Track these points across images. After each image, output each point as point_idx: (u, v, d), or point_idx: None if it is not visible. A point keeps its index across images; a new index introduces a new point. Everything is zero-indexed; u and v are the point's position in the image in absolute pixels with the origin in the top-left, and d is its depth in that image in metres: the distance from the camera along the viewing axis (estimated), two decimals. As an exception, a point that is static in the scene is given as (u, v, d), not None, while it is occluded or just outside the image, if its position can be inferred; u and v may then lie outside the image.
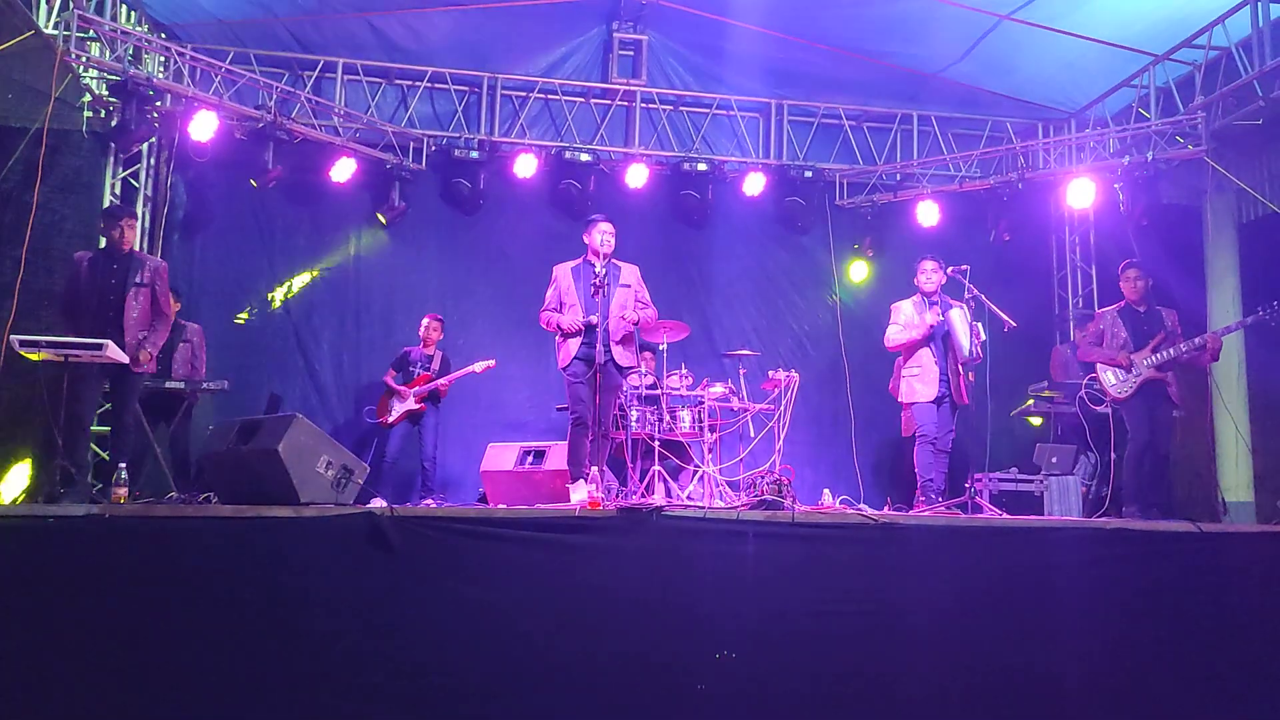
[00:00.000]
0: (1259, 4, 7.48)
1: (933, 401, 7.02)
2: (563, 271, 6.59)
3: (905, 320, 7.21)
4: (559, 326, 6.42)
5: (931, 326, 7.03)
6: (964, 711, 4.94)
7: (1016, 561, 5.22)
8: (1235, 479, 8.31)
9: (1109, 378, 6.90)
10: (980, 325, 6.90)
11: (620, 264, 6.52)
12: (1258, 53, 7.53)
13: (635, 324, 6.49)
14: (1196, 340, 6.77)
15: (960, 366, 7.05)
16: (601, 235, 6.50)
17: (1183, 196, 8.95)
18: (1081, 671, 5.05)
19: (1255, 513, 8.00)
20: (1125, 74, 8.85)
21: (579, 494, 6.09)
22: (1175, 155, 8.50)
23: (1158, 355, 6.75)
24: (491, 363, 8.39)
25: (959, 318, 6.98)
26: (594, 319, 6.26)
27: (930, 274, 7.21)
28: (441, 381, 8.37)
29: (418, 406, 8.34)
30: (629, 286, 6.50)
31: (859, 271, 9.94)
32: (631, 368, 6.76)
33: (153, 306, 6.36)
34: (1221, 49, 7.92)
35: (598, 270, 6.30)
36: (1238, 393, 8.38)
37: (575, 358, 6.36)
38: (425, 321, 8.59)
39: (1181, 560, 5.32)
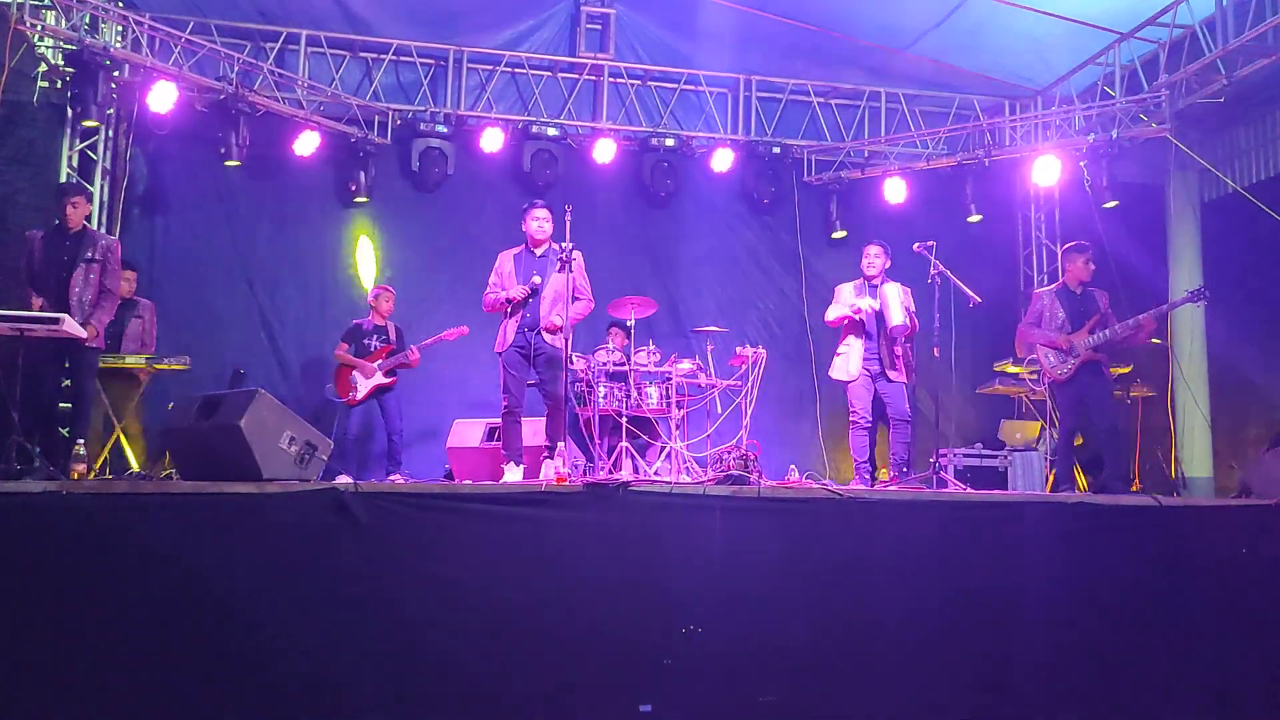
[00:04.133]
0: (1223, -18, 7.53)
1: (858, 380, 7.16)
2: (506, 257, 6.68)
3: (843, 301, 7.35)
4: (507, 300, 6.47)
5: (857, 311, 7.16)
6: (930, 683, 4.99)
7: (980, 535, 5.26)
8: (1194, 454, 8.45)
9: (1049, 359, 7.00)
10: (911, 299, 7.01)
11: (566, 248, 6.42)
12: (1221, 32, 7.58)
13: (561, 328, 6.42)
14: (1132, 321, 6.88)
15: (894, 345, 7.12)
16: (535, 223, 6.59)
17: (1146, 175, 9.04)
18: (1045, 642, 5.11)
19: (1213, 487, 8.14)
20: (1091, 52, 8.89)
21: (510, 475, 6.31)
22: (1139, 133, 8.56)
23: (1094, 336, 6.87)
24: (464, 329, 8.26)
25: (892, 292, 7.12)
26: (537, 279, 6.37)
27: (873, 259, 7.34)
28: (415, 355, 8.24)
29: (387, 381, 8.20)
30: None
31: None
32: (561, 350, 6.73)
33: (101, 283, 6.27)
34: (1186, 28, 7.97)
35: (545, 255, 6.40)
36: (1198, 369, 8.51)
37: (511, 345, 6.44)
38: (376, 292, 8.46)
39: (1141, 533, 5.39)
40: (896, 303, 7.05)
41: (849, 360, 7.21)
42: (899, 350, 7.15)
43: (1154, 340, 7.72)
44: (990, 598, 5.16)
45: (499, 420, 7.76)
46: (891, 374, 7.10)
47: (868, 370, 7.13)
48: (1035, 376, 7.89)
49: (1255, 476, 6.12)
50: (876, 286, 7.26)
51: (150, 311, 7.77)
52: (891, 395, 7.14)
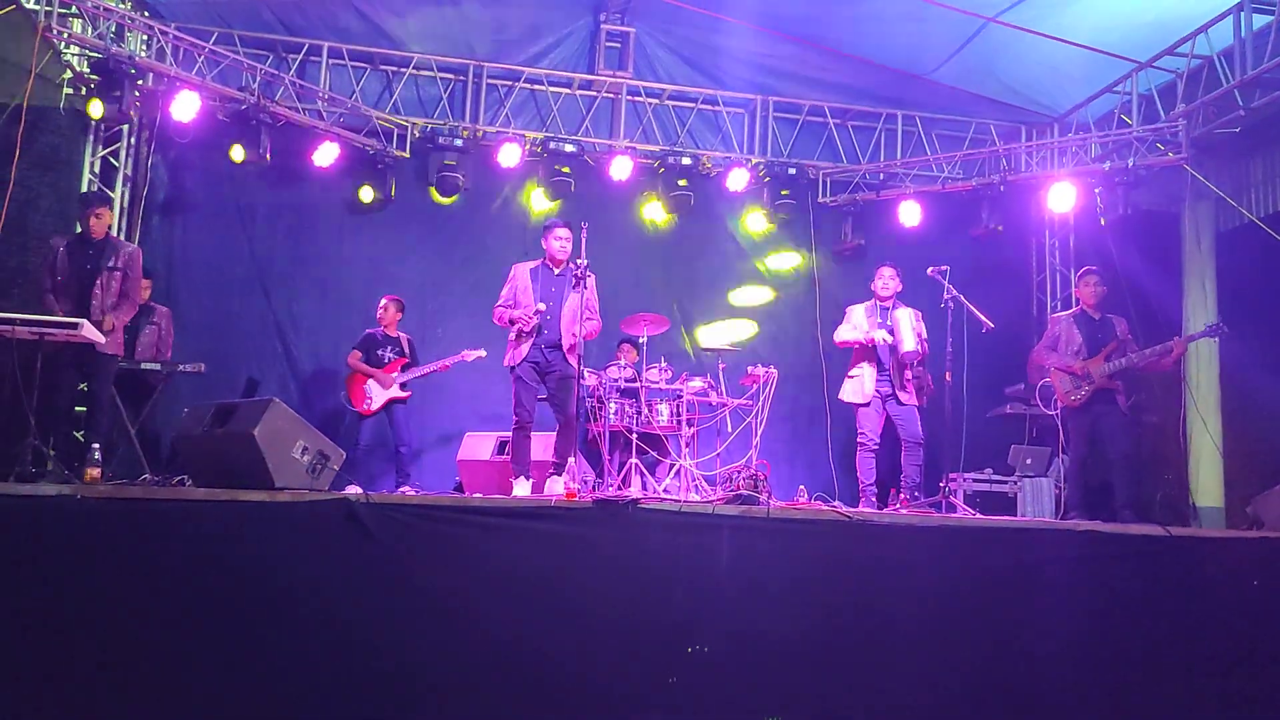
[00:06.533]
0: (1242, 14, 7.53)
1: (868, 404, 7.21)
2: (521, 271, 6.68)
3: (855, 323, 7.38)
4: (511, 321, 6.49)
5: (870, 340, 7.22)
6: (936, 707, 4.97)
7: (989, 561, 5.26)
8: (1206, 483, 8.39)
9: (1063, 384, 6.98)
10: (923, 326, 7.04)
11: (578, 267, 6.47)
12: (1239, 62, 7.58)
13: (575, 338, 6.49)
14: (1160, 346, 6.86)
15: (904, 370, 7.15)
16: (559, 242, 6.62)
17: (1162, 203, 9.01)
18: (1051, 670, 5.10)
19: (1224, 518, 8.08)
20: (1108, 80, 8.90)
21: (519, 489, 6.30)
22: (1155, 162, 8.54)
23: (1111, 364, 6.85)
24: (482, 353, 8.25)
25: (904, 317, 7.18)
26: (541, 306, 6.39)
27: (887, 280, 7.38)
28: (442, 365, 8.24)
29: (403, 394, 8.20)
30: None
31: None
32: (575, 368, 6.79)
33: (122, 289, 6.35)
34: (1204, 58, 7.98)
35: (564, 271, 6.40)
36: (1210, 397, 8.46)
37: (525, 359, 6.45)
38: (383, 302, 8.41)
39: (1150, 563, 5.38)
40: (909, 328, 7.10)
41: (862, 383, 7.26)
42: (909, 374, 7.20)
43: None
44: (998, 623, 5.15)
45: (509, 434, 7.81)
46: (902, 396, 7.15)
47: (879, 393, 7.17)
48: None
49: (1267, 509, 6.09)
50: (889, 309, 7.29)
51: (166, 318, 7.82)
52: (904, 418, 7.18)
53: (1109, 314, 7.12)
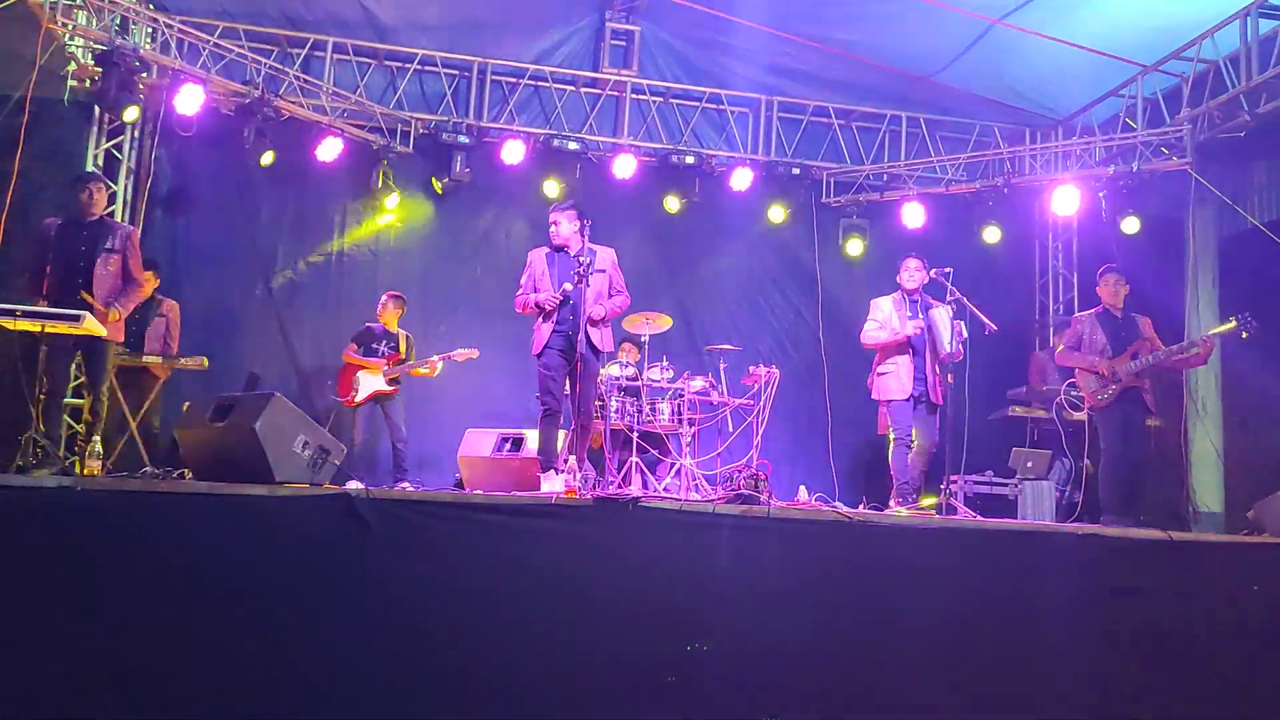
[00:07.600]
0: (1249, 19, 7.53)
1: (906, 400, 6.98)
2: (537, 256, 6.56)
3: (883, 319, 7.14)
4: (537, 305, 6.36)
5: (909, 338, 6.96)
6: (935, 708, 4.96)
7: (989, 563, 5.25)
8: (1206, 487, 8.40)
9: (1090, 384, 6.91)
10: (963, 324, 6.91)
11: (595, 247, 6.40)
12: (1245, 67, 7.58)
13: (603, 318, 6.42)
14: (1185, 343, 6.82)
15: (939, 366, 7.05)
16: (552, 227, 6.49)
17: (1166, 207, 9.00)
18: (1050, 672, 5.09)
19: (1225, 522, 8.08)
20: (1114, 83, 8.90)
21: (550, 484, 6.13)
22: (1160, 166, 8.54)
23: (1137, 362, 6.78)
24: (474, 353, 8.26)
25: (941, 316, 6.98)
26: (568, 286, 6.22)
27: (914, 272, 7.16)
28: (427, 367, 8.23)
29: (389, 389, 8.20)
30: (603, 272, 6.43)
31: (854, 248, 9.90)
32: (609, 352, 6.74)
33: (124, 273, 6.23)
34: (1210, 62, 7.97)
35: (578, 256, 6.25)
36: (1212, 402, 8.46)
37: (548, 345, 6.32)
38: (383, 298, 8.46)
39: (1152, 567, 5.37)
40: (948, 330, 6.88)
41: (899, 379, 6.95)
42: (939, 373, 7.05)
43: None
44: (998, 625, 5.14)
45: (511, 430, 7.81)
46: (933, 396, 6.97)
47: (915, 392, 7.00)
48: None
49: (1267, 514, 6.08)
50: (917, 302, 7.14)
51: (174, 311, 7.80)
52: (927, 422, 7.02)
53: (1132, 313, 7.06)
